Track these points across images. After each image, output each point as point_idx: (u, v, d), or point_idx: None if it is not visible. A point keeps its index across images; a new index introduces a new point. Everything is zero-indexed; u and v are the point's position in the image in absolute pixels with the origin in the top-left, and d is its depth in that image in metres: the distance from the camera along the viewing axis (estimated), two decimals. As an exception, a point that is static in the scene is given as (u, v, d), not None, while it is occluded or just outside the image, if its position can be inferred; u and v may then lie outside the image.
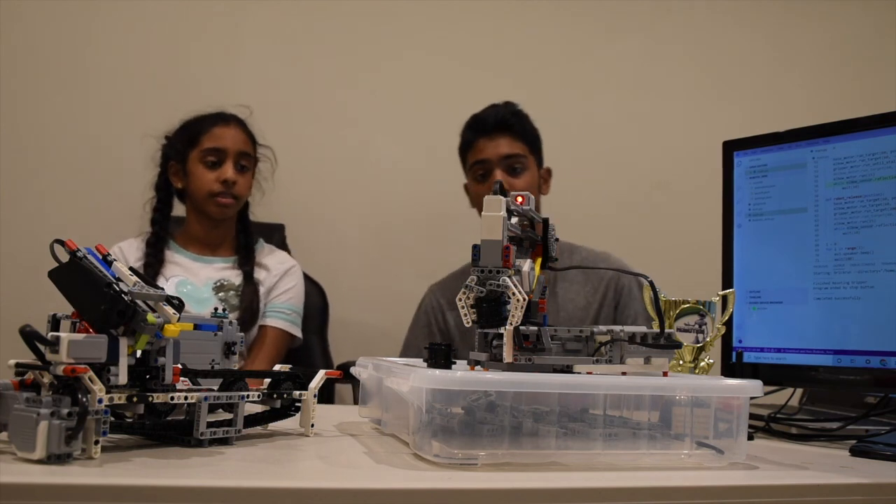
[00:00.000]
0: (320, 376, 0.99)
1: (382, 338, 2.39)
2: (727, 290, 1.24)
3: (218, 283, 1.95)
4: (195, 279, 1.94)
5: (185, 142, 1.96)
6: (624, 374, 0.87)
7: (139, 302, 0.77)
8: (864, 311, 1.12)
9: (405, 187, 2.51)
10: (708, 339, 1.14)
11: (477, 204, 2.00)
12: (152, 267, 1.91)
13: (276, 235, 2.22)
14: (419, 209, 2.52)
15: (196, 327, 1.01)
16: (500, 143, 1.93)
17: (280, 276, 2.01)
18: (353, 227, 2.50)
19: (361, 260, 2.49)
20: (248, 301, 1.92)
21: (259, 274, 1.98)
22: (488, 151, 1.94)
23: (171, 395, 0.80)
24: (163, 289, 0.81)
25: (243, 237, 2.03)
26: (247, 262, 1.98)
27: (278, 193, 2.11)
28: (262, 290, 1.97)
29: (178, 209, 2.06)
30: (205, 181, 1.93)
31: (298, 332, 2.01)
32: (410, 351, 1.99)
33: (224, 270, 1.98)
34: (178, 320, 0.79)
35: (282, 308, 1.99)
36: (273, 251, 2.08)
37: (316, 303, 2.18)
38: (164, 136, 2.01)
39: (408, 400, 0.82)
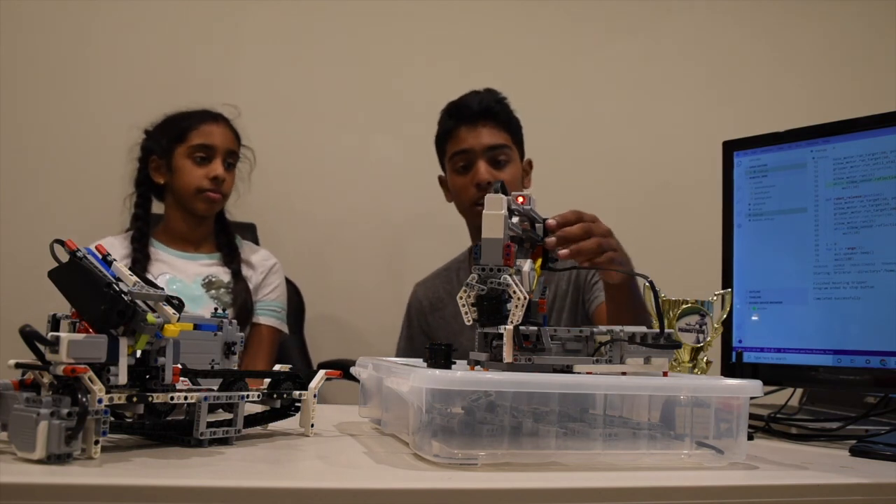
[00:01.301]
0: (320, 376, 0.99)
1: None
2: (724, 290, 1.25)
3: (206, 280, 1.93)
4: (183, 276, 1.92)
5: (171, 137, 1.93)
6: (624, 374, 0.87)
7: (139, 302, 0.77)
8: (864, 311, 1.12)
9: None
10: (708, 339, 1.15)
11: (457, 198, 1.87)
12: (140, 263, 1.88)
13: (247, 235, 2.21)
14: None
15: (196, 327, 1.01)
16: (482, 132, 1.80)
17: (266, 273, 2.01)
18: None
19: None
20: (243, 300, 1.92)
21: (245, 271, 1.98)
22: (471, 141, 1.79)
23: (170, 395, 0.80)
24: (163, 289, 0.81)
25: (224, 235, 2.01)
26: (233, 260, 1.97)
27: (249, 193, 2.09)
28: (250, 287, 1.97)
29: (155, 207, 2.03)
30: (193, 177, 1.90)
31: (286, 328, 2.03)
32: (399, 351, 1.97)
33: (210, 267, 1.96)
34: (178, 320, 0.79)
35: (272, 306, 1.99)
36: (255, 249, 2.08)
37: (292, 301, 2.18)
38: (143, 130, 1.98)
39: (408, 400, 0.82)
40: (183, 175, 1.91)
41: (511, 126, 1.85)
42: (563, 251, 1.25)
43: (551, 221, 1.27)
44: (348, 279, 2.47)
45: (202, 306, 1.84)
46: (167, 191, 1.96)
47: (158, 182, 1.96)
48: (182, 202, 1.94)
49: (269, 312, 1.98)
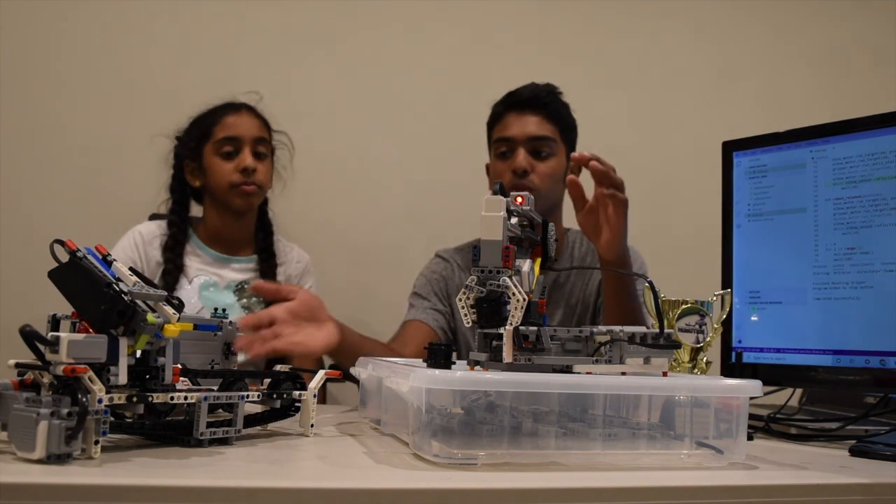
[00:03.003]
0: (320, 376, 0.99)
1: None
2: (724, 290, 1.25)
3: (239, 286, 1.88)
4: (218, 280, 1.88)
5: (198, 137, 1.88)
6: (623, 374, 0.87)
7: (139, 302, 0.77)
8: (864, 311, 1.12)
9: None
10: (708, 340, 1.15)
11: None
12: (171, 274, 1.83)
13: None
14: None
15: (196, 327, 1.01)
16: (529, 121, 1.79)
17: (300, 275, 1.96)
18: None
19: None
20: None
21: (280, 275, 1.93)
22: (515, 129, 1.79)
23: (170, 395, 0.80)
24: (162, 289, 0.81)
25: (262, 235, 1.94)
26: (269, 268, 1.90)
27: (293, 180, 2.04)
28: None
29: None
30: (224, 173, 1.84)
31: None
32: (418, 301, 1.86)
33: (245, 273, 1.91)
34: (178, 320, 0.79)
35: None
36: (288, 248, 2.01)
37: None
38: (174, 137, 1.93)
39: (407, 400, 0.82)
40: (214, 173, 1.86)
41: (561, 121, 1.82)
42: (596, 164, 1.38)
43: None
44: (359, 280, 2.47)
45: (234, 314, 1.82)
46: (205, 193, 1.91)
47: (196, 186, 1.91)
48: (219, 201, 1.88)
49: None
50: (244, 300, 1.87)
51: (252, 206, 1.89)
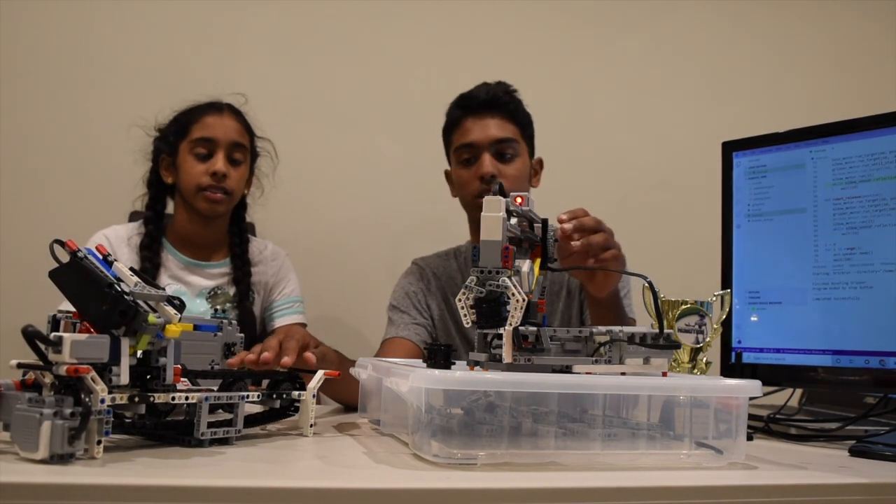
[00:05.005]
0: (319, 377, 0.99)
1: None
2: (723, 291, 1.25)
3: (212, 292, 1.83)
4: (188, 289, 1.82)
5: (176, 133, 1.82)
6: (623, 374, 0.87)
7: (140, 302, 0.77)
8: (863, 311, 1.12)
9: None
10: (707, 340, 1.15)
11: (460, 191, 1.80)
12: (149, 272, 1.76)
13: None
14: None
15: (196, 328, 1.02)
16: (489, 124, 1.74)
17: (276, 273, 1.92)
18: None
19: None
20: (248, 321, 1.80)
21: (255, 276, 1.88)
22: (476, 133, 1.73)
23: (172, 395, 0.81)
24: (164, 289, 0.81)
25: (238, 241, 1.87)
26: (243, 275, 1.84)
27: (275, 189, 1.99)
28: (257, 296, 1.88)
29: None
30: (194, 174, 1.77)
31: (305, 319, 1.93)
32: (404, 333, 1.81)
33: (218, 278, 1.85)
34: (179, 321, 0.79)
35: (289, 302, 1.91)
36: (261, 246, 1.95)
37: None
38: (156, 129, 1.87)
39: (407, 400, 0.82)
40: (184, 172, 1.79)
41: (520, 119, 1.78)
42: (575, 243, 1.26)
43: (563, 216, 1.29)
44: (351, 280, 2.47)
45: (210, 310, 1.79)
46: (176, 191, 1.85)
47: (168, 182, 1.84)
48: (187, 202, 1.82)
49: (285, 311, 1.89)
50: (218, 305, 1.81)
51: (218, 213, 1.81)
